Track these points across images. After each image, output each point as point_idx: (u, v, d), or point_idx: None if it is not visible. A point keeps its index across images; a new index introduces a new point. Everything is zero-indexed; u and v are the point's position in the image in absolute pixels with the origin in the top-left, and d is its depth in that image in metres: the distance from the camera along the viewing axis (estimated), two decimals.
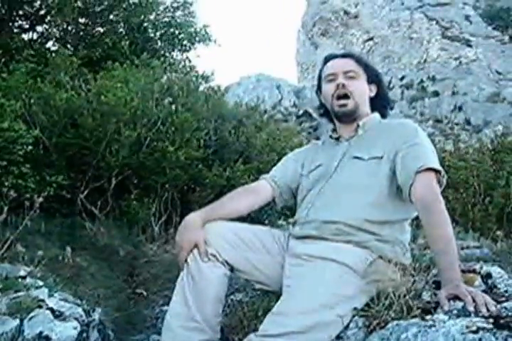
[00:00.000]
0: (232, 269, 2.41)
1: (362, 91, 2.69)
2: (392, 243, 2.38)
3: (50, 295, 2.86)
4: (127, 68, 5.70)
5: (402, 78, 43.77)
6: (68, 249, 3.99)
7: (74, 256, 4.03)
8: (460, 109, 35.36)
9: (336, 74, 2.66)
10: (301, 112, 36.80)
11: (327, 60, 2.82)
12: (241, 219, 2.60)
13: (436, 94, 38.85)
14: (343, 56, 2.79)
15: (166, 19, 8.95)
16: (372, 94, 2.75)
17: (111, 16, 8.45)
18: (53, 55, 6.71)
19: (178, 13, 9.09)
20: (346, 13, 51.32)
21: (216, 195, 4.80)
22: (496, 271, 2.54)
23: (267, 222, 4.75)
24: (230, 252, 2.38)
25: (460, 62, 43.75)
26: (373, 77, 2.77)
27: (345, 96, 2.62)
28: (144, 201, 4.99)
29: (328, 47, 48.12)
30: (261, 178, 2.84)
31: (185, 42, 8.71)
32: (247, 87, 43.18)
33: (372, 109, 2.74)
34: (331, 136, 2.77)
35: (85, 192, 5.01)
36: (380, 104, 2.79)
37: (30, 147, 4.36)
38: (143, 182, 5.15)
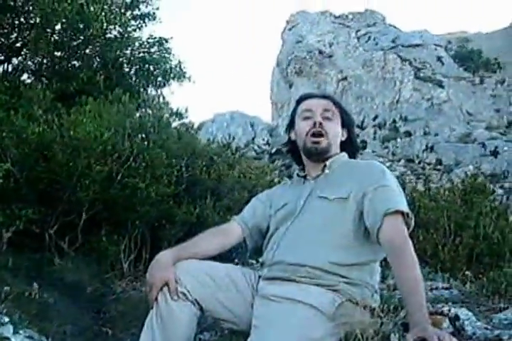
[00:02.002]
0: (201, 308, 2.38)
1: (336, 133, 2.72)
2: (361, 286, 2.37)
3: (16, 332, 2.81)
4: (101, 103, 5.69)
5: (375, 118, 44.24)
6: (35, 284, 3.93)
7: (41, 292, 3.97)
8: (432, 149, 35.75)
9: (313, 113, 2.69)
10: (274, 150, 36.93)
11: (304, 98, 2.84)
12: (212, 257, 2.60)
13: (408, 134, 39.29)
14: (323, 97, 2.82)
15: (142, 55, 8.98)
16: (343, 139, 2.78)
17: (87, 51, 8.46)
18: (27, 87, 6.67)
19: (154, 49, 9.13)
20: (321, 52, 51.92)
21: (186, 232, 4.77)
22: (463, 313, 2.55)
23: (237, 260, 4.72)
24: (200, 291, 2.36)
25: (432, 103, 44.31)
26: (347, 122, 2.80)
27: (320, 135, 2.64)
28: (113, 237, 4.94)
29: (302, 86, 48.53)
30: (232, 219, 2.84)
31: (159, 78, 8.73)
32: (221, 124, 43.36)
33: (341, 152, 2.77)
34: (298, 174, 2.78)
35: (55, 227, 4.95)
36: (349, 148, 2.82)
37: (0, 180, 4.32)
38: (113, 218, 5.10)
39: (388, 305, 2.39)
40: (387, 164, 31.83)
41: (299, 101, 2.84)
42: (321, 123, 2.65)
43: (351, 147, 2.85)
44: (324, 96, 2.82)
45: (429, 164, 33.74)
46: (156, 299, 2.33)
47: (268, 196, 2.88)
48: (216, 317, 2.46)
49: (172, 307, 2.30)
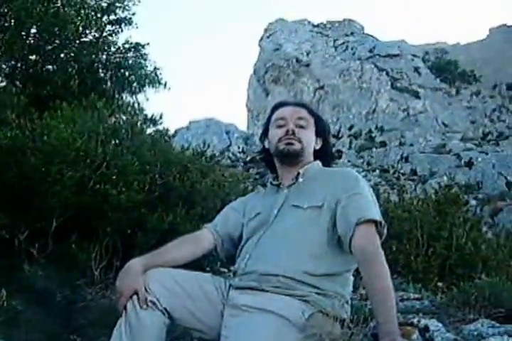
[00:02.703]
0: (171, 317, 2.35)
1: (309, 140, 2.72)
2: (332, 296, 2.36)
3: None
4: (74, 108, 5.64)
5: (351, 127, 44.43)
6: (4, 291, 3.88)
7: (9, 299, 3.91)
8: (407, 159, 35.95)
9: (286, 121, 2.69)
10: (249, 158, 36.96)
11: (278, 106, 2.84)
12: (183, 265, 2.58)
13: (383, 144, 39.49)
14: (297, 105, 2.82)
15: (117, 60, 8.93)
16: (318, 147, 2.77)
17: (62, 55, 8.41)
18: (1, 91, 6.62)
19: (130, 54, 9.09)
20: (298, 61, 52.07)
21: (158, 240, 4.73)
22: (433, 324, 2.56)
23: (208, 268, 4.70)
24: (170, 300, 2.34)
25: (408, 114, 44.61)
26: (321, 130, 2.80)
27: (293, 140, 2.63)
28: (84, 244, 4.89)
29: (279, 94, 48.64)
30: (203, 227, 2.82)
31: (135, 84, 8.69)
32: (196, 131, 43.29)
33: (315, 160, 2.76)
34: (271, 183, 2.77)
35: (25, 233, 4.89)
36: (324, 157, 2.81)
37: None
38: (84, 225, 5.05)
39: (358, 315, 2.38)
40: (362, 174, 31.93)
41: (273, 110, 2.83)
42: (293, 131, 2.64)
43: (325, 155, 2.85)
44: (298, 104, 2.83)
45: (403, 174, 33.93)
46: (125, 307, 2.30)
47: (241, 204, 2.86)
48: (186, 326, 2.44)
49: (141, 316, 2.27)
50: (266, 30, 58.56)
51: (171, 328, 2.42)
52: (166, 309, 2.32)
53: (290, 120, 2.68)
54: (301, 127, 2.68)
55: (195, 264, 2.87)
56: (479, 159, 33.33)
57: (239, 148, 41.55)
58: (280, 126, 2.69)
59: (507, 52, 69.85)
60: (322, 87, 49.87)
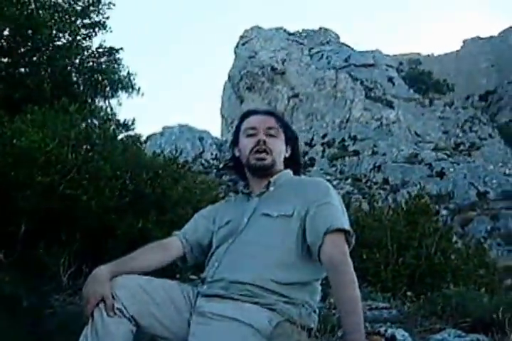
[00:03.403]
0: (138, 325, 2.32)
1: (280, 150, 2.71)
2: (300, 305, 2.36)
3: None
4: (46, 112, 5.60)
5: (324, 136, 44.65)
6: None
7: None
8: (379, 168, 36.21)
9: (257, 130, 2.68)
10: (222, 165, 36.98)
11: (248, 114, 2.83)
12: (152, 271, 2.56)
13: (356, 153, 39.74)
14: (266, 113, 2.81)
15: (91, 64, 8.89)
16: (287, 155, 2.77)
17: (34, 58, 8.35)
18: None
19: (104, 58, 9.06)
20: (273, 69, 52.24)
21: (128, 246, 4.70)
22: (400, 333, 2.57)
23: (178, 275, 4.67)
24: (137, 307, 2.30)
25: (381, 123, 44.95)
26: (290, 139, 2.80)
27: (264, 152, 2.63)
28: (53, 249, 4.84)
29: (253, 101, 48.76)
30: (173, 234, 2.80)
31: (108, 89, 8.66)
32: (170, 137, 43.28)
33: (285, 168, 2.76)
34: (242, 191, 2.76)
35: None
36: (293, 165, 2.81)
37: None
38: (54, 230, 5.00)
39: (326, 324, 2.38)
40: (335, 182, 32.17)
41: (242, 118, 2.82)
42: (265, 141, 2.64)
43: (295, 163, 2.85)
44: (268, 113, 2.81)
45: (376, 183, 34.16)
46: (92, 315, 2.27)
47: (211, 212, 2.85)
48: (153, 333, 2.40)
49: (107, 324, 2.24)
50: (241, 37, 58.70)
51: (138, 336, 2.40)
52: (132, 316, 2.29)
53: (260, 129, 2.68)
54: (272, 136, 2.68)
55: (165, 271, 2.85)
56: (451, 169, 33.70)
57: (212, 154, 41.62)
58: (250, 136, 2.69)
59: (480, 63, 70.88)
60: (296, 95, 50.08)
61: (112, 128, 6.14)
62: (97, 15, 9.10)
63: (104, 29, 9.16)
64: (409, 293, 5.17)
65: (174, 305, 2.41)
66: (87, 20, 9.04)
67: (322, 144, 43.12)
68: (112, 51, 9.14)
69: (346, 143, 42.27)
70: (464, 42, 76.22)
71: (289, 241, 2.43)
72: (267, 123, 2.71)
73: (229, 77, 57.53)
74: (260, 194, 2.66)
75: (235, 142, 2.81)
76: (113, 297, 2.28)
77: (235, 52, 58.06)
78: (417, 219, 7.16)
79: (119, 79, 8.77)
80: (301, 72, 51.74)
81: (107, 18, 9.20)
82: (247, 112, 2.88)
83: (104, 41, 9.24)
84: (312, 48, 56.54)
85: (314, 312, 2.46)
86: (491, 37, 75.07)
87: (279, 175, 2.69)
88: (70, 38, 8.56)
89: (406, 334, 2.60)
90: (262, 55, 53.71)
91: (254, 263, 2.39)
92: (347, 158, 39.05)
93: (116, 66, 9.03)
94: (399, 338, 2.51)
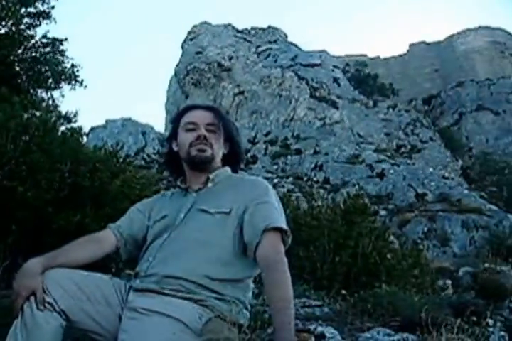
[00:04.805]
0: (68, 319, 2.29)
1: (219, 145, 2.71)
2: (232, 302, 2.37)
3: None
4: None
5: (268, 134, 44.71)
6: None
7: None
8: (320, 168, 36.45)
9: (197, 125, 2.67)
10: (164, 160, 36.68)
11: (188, 109, 2.82)
12: (85, 265, 2.53)
13: (298, 151, 39.90)
14: (207, 108, 2.80)
15: (34, 55, 8.74)
16: (226, 152, 2.78)
17: None
18: None
19: (47, 49, 8.91)
20: (220, 65, 52.10)
21: (65, 240, 4.65)
22: (329, 331, 2.61)
23: (114, 270, 4.65)
24: (68, 302, 2.28)
25: (324, 123, 45.22)
26: (229, 135, 2.80)
27: (205, 146, 2.63)
28: None
29: (198, 97, 48.53)
30: (107, 227, 2.77)
31: (50, 80, 8.52)
32: (112, 130, 42.78)
33: (224, 165, 2.77)
34: (179, 186, 2.76)
35: None
36: (232, 161, 2.82)
37: None
38: None
39: (257, 321, 2.41)
40: (276, 180, 32.24)
41: (182, 112, 2.82)
42: (205, 136, 2.64)
43: (234, 161, 2.86)
44: (208, 108, 2.81)
45: (316, 182, 34.37)
46: (22, 308, 2.25)
47: (147, 206, 2.83)
48: (83, 328, 2.37)
49: (37, 318, 2.21)
50: (189, 33, 58.41)
51: (69, 330, 2.39)
52: (63, 311, 2.26)
53: (201, 125, 2.68)
54: (212, 132, 2.68)
55: (100, 265, 2.84)
56: (391, 171, 34.12)
57: (154, 149, 41.27)
58: (190, 130, 2.68)
59: (424, 68, 72.06)
60: (242, 93, 50.05)
61: (52, 120, 6.04)
62: (41, 5, 8.95)
63: (49, 19, 9.01)
64: (343, 292, 5.24)
65: (105, 299, 2.39)
66: (31, 9, 8.89)
67: (265, 142, 43.16)
68: (56, 42, 8.99)
69: (289, 142, 42.40)
70: (411, 46, 77.37)
71: (225, 238, 2.44)
72: (208, 119, 2.71)
73: (175, 72, 57.16)
74: (198, 189, 2.66)
75: (174, 136, 2.80)
76: (44, 291, 2.26)
77: (182, 48, 57.72)
78: (354, 219, 7.25)
79: (63, 71, 8.64)
80: (248, 70, 51.75)
81: (52, 7, 9.06)
82: (188, 107, 2.87)
83: (49, 31, 9.10)
84: (259, 46, 56.59)
85: (246, 309, 2.48)
86: (437, 42, 76.40)
87: (218, 171, 2.70)
88: (13, 27, 8.39)
89: (335, 332, 2.64)
90: (209, 51, 53.50)
91: (188, 259, 2.40)
92: (289, 157, 39.16)
93: (60, 57, 8.90)
94: (328, 336, 2.55)
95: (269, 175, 33.68)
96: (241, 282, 2.47)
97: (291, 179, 34.24)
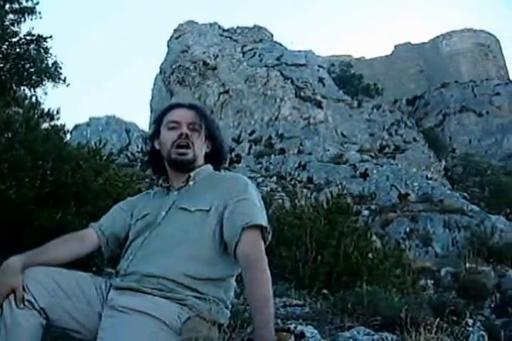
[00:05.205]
0: (48, 317, 2.29)
1: (201, 144, 2.72)
2: (212, 301, 2.37)
3: None
4: None
5: (252, 133, 44.65)
6: None
7: None
8: (304, 167, 36.46)
9: (180, 123, 2.67)
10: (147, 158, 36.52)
11: (171, 107, 2.82)
12: (69, 263, 2.53)
13: (282, 151, 39.89)
14: (190, 107, 2.80)
15: (18, 51, 8.69)
16: (208, 150, 2.78)
17: None
18: None
19: (32, 46, 8.86)
20: (205, 64, 51.96)
21: (47, 238, 4.63)
22: (309, 330, 2.61)
23: (95, 268, 4.63)
24: (48, 300, 2.28)
25: (309, 122, 45.21)
26: (212, 133, 2.80)
27: (186, 146, 2.63)
28: None
29: (183, 95, 48.31)
30: (89, 226, 2.77)
31: (34, 77, 8.47)
32: (96, 128, 42.57)
33: (206, 163, 2.77)
34: (161, 185, 2.76)
35: None
36: (214, 159, 2.82)
37: None
38: None
39: (237, 320, 2.41)
40: (260, 179, 32.25)
41: (165, 111, 2.82)
42: (187, 135, 2.64)
43: (216, 159, 2.86)
44: (191, 107, 2.81)
45: (300, 182, 34.39)
46: (1, 306, 2.24)
47: (130, 204, 2.83)
48: (63, 326, 2.37)
49: (17, 316, 2.21)
50: (175, 31, 58.21)
51: (50, 329, 2.38)
52: (43, 309, 2.26)
53: (183, 123, 2.68)
54: (194, 130, 2.68)
55: (81, 263, 2.83)
56: (374, 171, 34.20)
57: (138, 147, 41.12)
58: (172, 129, 2.68)
59: (409, 69, 72.34)
60: (227, 91, 49.93)
61: (35, 117, 6.01)
62: (26, 1, 8.90)
63: (33, 15, 8.96)
64: (325, 291, 5.26)
65: (86, 297, 2.39)
66: (15, 5, 8.83)
67: (249, 141, 43.10)
68: (40, 39, 8.94)
69: (273, 141, 42.36)
70: (396, 47, 77.63)
71: (206, 236, 2.45)
72: (190, 118, 2.71)
73: (160, 70, 56.94)
74: (180, 188, 2.66)
75: (156, 134, 2.80)
76: (24, 289, 2.25)
77: (168, 46, 57.50)
78: (336, 219, 7.27)
79: (47, 68, 8.59)
80: (233, 69, 51.64)
81: (37, 3, 9.00)
82: (171, 105, 2.87)
83: (33, 28, 9.05)
84: (245, 45, 56.50)
85: (227, 308, 2.48)
86: (422, 43, 76.70)
87: (200, 170, 2.70)
88: None
89: (315, 331, 2.65)
90: (195, 49, 53.34)
91: (169, 257, 2.40)
92: (273, 156, 39.15)
93: (44, 54, 8.85)
94: (307, 335, 2.56)
95: (253, 174, 33.66)
96: (223, 281, 2.48)
97: (274, 178, 34.23)
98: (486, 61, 71.82)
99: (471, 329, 3.66)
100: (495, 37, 75.68)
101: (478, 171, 44.13)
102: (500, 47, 75.99)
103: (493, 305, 12.77)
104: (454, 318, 3.64)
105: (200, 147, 2.71)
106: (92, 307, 2.39)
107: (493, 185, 38.21)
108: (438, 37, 75.35)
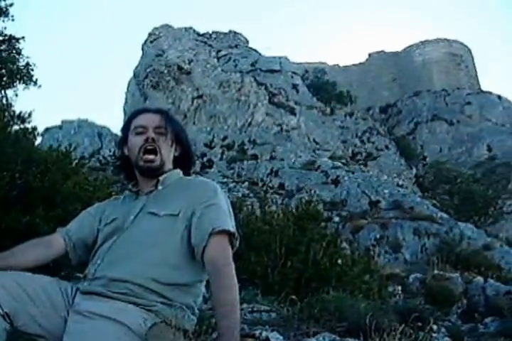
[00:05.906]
0: (12, 322, 2.26)
1: (168, 148, 2.72)
2: (177, 306, 2.37)
3: None
4: None
5: (225, 138, 44.61)
6: None
7: None
8: (276, 173, 36.50)
9: (146, 128, 2.67)
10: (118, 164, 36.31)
11: (138, 113, 2.83)
12: (33, 268, 2.50)
13: (255, 157, 39.88)
14: (156, 112, 2.81)
15: None
16: (177, 154, 2.79)
17: None
18: None
19: (3, 47, 8.77)
20: (180, 68, 51.82)
21: (14, 241, 4.59)
22: (274, 336, 2.63)
23: (63, 273, 4.60)
24: (12, 304, 2.24)
25: (281, 129, 45.29)
26: (179, 137, 2.80)
27: (153, 152, 2.63)
28: None
29: (157, 100, 48.12)
30: (57, 231, 2.76)
31: (5, 78, 8.39)
32: (68, 131, 42.29)
33: (175, 168, 2.78)
34: (130, 190, 2.76)
35: None
36: (183, 163, 2.83)
37: None
38: None
39: (202, 326, 2.41)
40: (232, 185, 32.22)
41: (132, 116, 2.82)
42: (153, 139, 2.65)
43: (185, 163, 2.86)
44: (158, 111, 2.81)
45: (272, 188, 34.40)
46: None
47: (99, 209, 2.82)
48: (27, 332, 2.33)
49: None
50: (150, 35, 58.02)
51: (14, 334, 2.36)
52: (7, 314, 2.23)
53: (149, 127, 2.68)
54: (161, 134, 2.69)
55: (49, 268, 2.82)
56: (346, 178, 34.33)
57: (110, 151, 40.88)
58: (139, 134, 2.68)
59: (383, 77, 72.80)
60: (201, 96, 49.83)
61: (5, 119, 5.96)
62: None
63: (6, 16, 8.87)
64: (293, 297, 5.28)
65: (51, 302, 2.37)
66: None
67: (222, 146, 43.04)
68: (12, 39, 8.86)
69: (246, 147, 42.34)
70: (370, 55, 78.09)
71: (174, 241, 2.45)
72: (156, 122, 2.71)
73: (134, 73, 56.68)
74: (148, 192, 2.66)
75: (124, 140, 2.81)
76: None
77: (143, 49, 57.30)
78: (306, 225, 7.30)
79: (18, 70, 8.51)
80: (207, 74, 51.59)
81: (11, 4, 8.92)
82: (137, 111, 2.88)
83: (5, 28, 8.96)
84: (220, 51, 56.54)
85: (194, 314, 2.48)
86: (396, 52, 77.25)
87: (168, 174, 2.71)
88: None
89: (280, 337, 2.66)
90: (170, 53, 53.18)
91: (136, 262, 2.40)
92: (245, 162, 39.13)
93: (16, 56, 8.78)
94: None
95: (225, 179, 33.63)
96: (191, 286, 2.47)
97: (246, 184, 34.21)
98: (458, 70, 72.46)
99: (435, 335, 3.71)
100: (467, 47, 76.41)
101: (448, 179, 44.46)
102: (473, 57, 76.71)
103: (459, 311, 12.88)
104: (420, 324, 3.68)
105: (167, 151, 2.71)
106: (58, 311, 2.37)
107: (463, 193, 38.55)
108: (412, 46, 75.91)
